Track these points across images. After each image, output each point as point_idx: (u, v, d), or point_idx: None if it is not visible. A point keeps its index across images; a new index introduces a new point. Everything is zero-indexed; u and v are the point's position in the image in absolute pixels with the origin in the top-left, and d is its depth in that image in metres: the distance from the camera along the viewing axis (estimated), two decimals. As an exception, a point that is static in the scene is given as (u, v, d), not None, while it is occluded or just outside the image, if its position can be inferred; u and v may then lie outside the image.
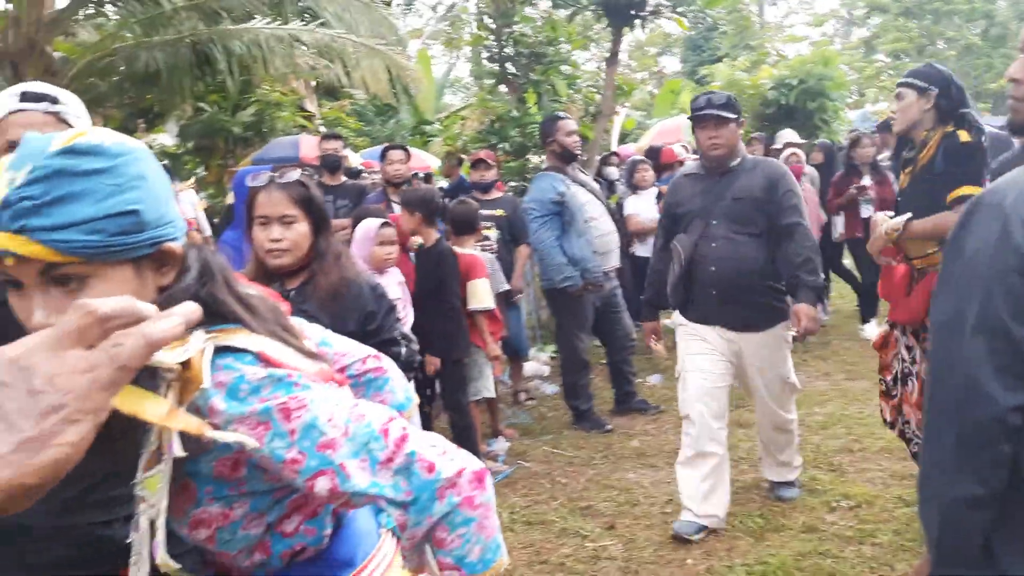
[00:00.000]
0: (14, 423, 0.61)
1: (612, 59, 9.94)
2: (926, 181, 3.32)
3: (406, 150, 6.11)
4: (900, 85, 3.50)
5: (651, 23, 11.13)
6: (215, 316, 1.02)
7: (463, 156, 8.16)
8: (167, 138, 14.74)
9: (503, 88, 7.67)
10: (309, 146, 12.09)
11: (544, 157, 5.93)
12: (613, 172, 8.07)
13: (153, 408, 0.78)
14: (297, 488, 1.07)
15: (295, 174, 2.35)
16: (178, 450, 0.94)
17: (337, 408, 1.05)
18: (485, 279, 4.82)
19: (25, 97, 1.84)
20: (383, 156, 6.11)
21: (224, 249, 3.74)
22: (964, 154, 3.27)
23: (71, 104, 1.92)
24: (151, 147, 11.78)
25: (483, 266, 4.88)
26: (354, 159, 10.69)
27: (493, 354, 4.84)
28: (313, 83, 15.66)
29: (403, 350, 2.54)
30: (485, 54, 8.95)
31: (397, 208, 5.54)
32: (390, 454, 1.06)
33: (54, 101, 1.87)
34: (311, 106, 16.17)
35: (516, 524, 3.97)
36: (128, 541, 1.77)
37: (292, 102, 13.73)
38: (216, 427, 0.98)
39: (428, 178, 7.27)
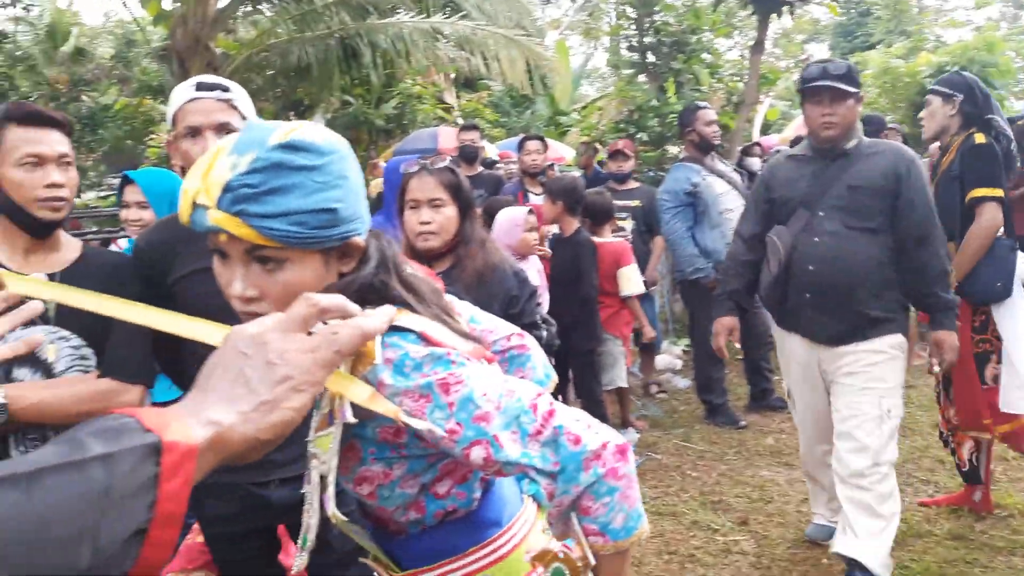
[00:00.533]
0: (254, 388, 0.72)
1: (757, 47, 9.64)
2: (947, 185, 3.57)
3: (543, 141, 6.17)
4: (927, 93, 3.85)
5: (800, 8, 10.73)
6: (384, 300, 1.11)
7: (599, 146, 8.15)
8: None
9: (642, 78, 7.59)
10: (447, 137, 12.39)
11: (682, 147, 5.85)
12: (755, 163, 7.83)
13: (357, 391, 0.89)
14: (453, 456, 1.14)
15: (445, 162, 2.45)
16: (349, 417, 1.03)
17: (490, 384, 1.12)
18: (634, 264, 4.87)
19: (200, 87, 2.04)
20: (521, 146, 6.20)
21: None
22: (977, 155, 3.48)
23: (238, 92, 2.09)
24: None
25: (630, 252, 4.92)
26: (490, 150, 10.87)
27: (649, 336, 5.32)
28: (452, 75, 16.03)
29: (543, 334, 2.60)
30: (625, 44, 8.89)
31: (533, 198, 5.61)
32: (539, 427, 1.12)
33: (225, 89, 2.05)
34: (450, 98, 16.55)
35: (645, 514, 3.96)
36: (283, 502, 1.90)
37: (432, 94, 14.11)
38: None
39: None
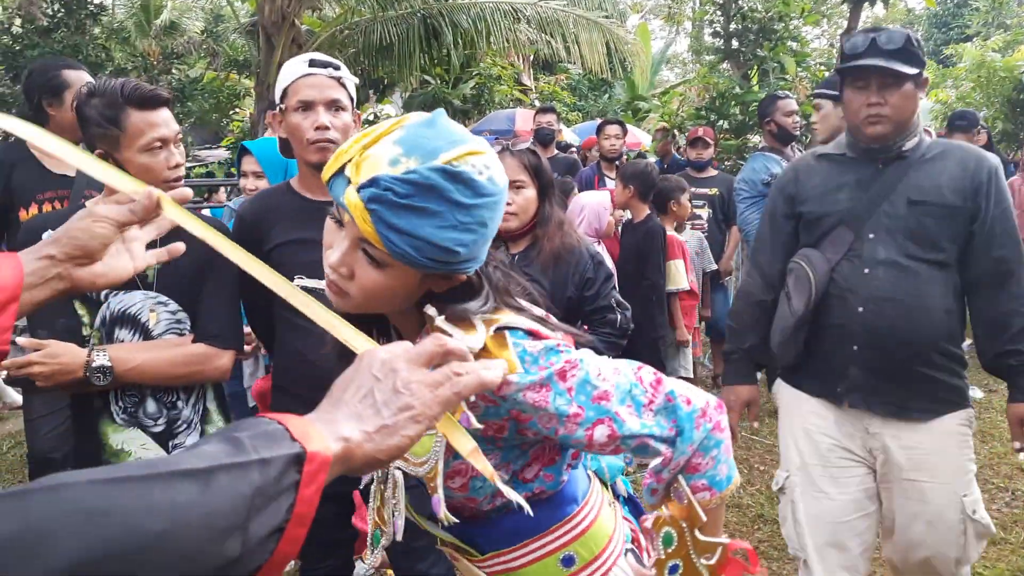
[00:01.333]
0: (379, 411, 0.79)
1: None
2: None
3: (623, 125, 6.13)
4: (814, 96, 3.82)
5: (892, -3, 10.37)
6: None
7: (676, 133, 8.06)
8: (392, 109, 15.64)
9: (725, 65, 7.45)
10: (524, 119, 12.44)
11: (762, 137, 5.74)
12: None
13: (462, 441, 0.92)
14: (574, 439, 1.15)
15: (526, 144, 2.47)
16: (475, 423, 1.02)
17: (601, 364, 1.17)
18: (680, 260, 4.79)
19: (313, 63, 2.12)
20: (599, 130, 6.17)
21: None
22: None
23: (345, 71, 2.16)
24: (377, 117, 12.49)
25: (680, 246, 4.84)
26: (567, 133, 10.84)
27: (681, 339, 4.80)
28: (531, 57, 16.02)
29: (618, 317, 2.61)
30: (709, 29, 8.75)
31: (609, 183, 5.59)
32: (651, 397, 1.17)
33: (336, 68, 2.14)
34: (528, 80, 16.57)
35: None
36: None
37: (510, 76, 14.13)
38: (504, 398, 1.12)
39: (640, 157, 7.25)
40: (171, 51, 13.60)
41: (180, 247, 1.14)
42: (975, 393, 5.07)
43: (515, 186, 2.42)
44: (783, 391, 2.44)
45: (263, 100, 11.17)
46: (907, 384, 2.19)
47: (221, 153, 14.08)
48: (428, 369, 0.83)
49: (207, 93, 13.97)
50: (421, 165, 1.02)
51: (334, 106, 2.09)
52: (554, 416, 1.13)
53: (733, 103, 6.53)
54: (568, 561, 1.28)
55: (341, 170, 1.07)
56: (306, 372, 2.08)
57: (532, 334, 1.15)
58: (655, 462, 1.21)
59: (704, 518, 1.22)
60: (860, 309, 2.18)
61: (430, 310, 1.11)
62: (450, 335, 1.08)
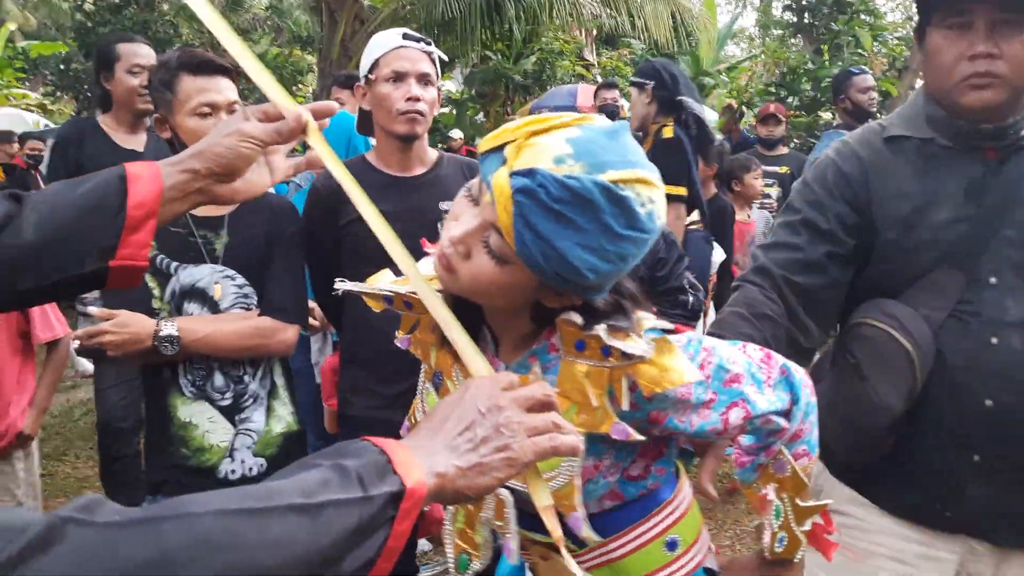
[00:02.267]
0: (477, 448, 0.79)
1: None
2: None
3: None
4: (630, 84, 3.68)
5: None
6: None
7: (745, 109, 7.84)
8: (452, 84, 15.61)
9: (796, 38, 7.21)
10: (586, 95, 12.25)
11: (836, 114, 5.55)
12: None
13: (542, 495, 0.90)
14: (708, 425, 1.11)
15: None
16: (635, 434, 1.04)
17: (726, 347, 1.15)
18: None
19: (407, 36, 2.14)
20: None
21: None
22: (664, 151, 3.34)
23: (435, 47, 2.16)
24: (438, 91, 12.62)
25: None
26: (629, 110, 10.69)
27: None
28: (594, 32, 15.80)
29: (690, 298, 2.54)
30: (780, 2, 8.47)
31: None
32: (767, 373, 1.15)
33: (428, 43, 2.15)
34: (590, 55, 16.34)
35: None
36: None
37: (572, 51, 13.95)
38: (651, 399, 1.07)
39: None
40: (236, 27, 13.79)
41: (317, 158, 1.10)
42: None
43: None
44: (846, 506, 1.60)
45: (326, 76, 11.26)
46: None
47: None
48: (528, 413, 0.84)
49: (271, 69, 14.13)
50: (585, 174, 0.94)
51: (424, 79, 2.12)
52: (692, 406, 1.10)
53: (804, 79, 6.30)
54: (672, 545, 1.23)
55: (500, 148, 0.99)
56: (375, 344, 2.08)
57: (667, 331, 1.11)
58: (746, 441, 1.21)
59: (808, 484, 1.20)
60: (988, 403, 1.42)
61: (599, 329, 1.04)
62: (619, 348, 1.03)
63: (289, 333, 2.00)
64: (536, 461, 0.82)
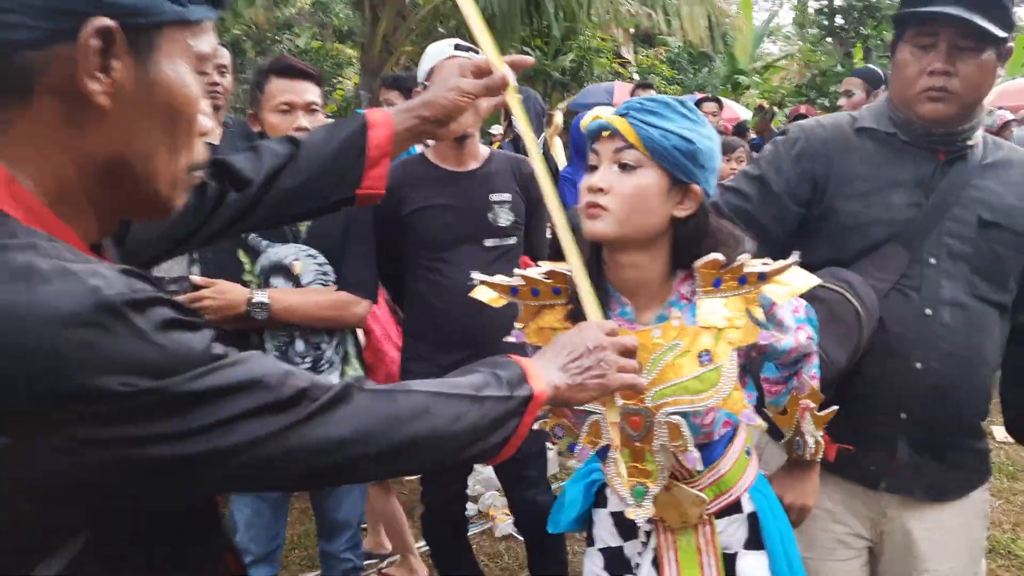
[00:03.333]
0: (582, 372, 1.11)
1: None
2: None
3: (719, 102, 6.21)
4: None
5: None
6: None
7: (776, 109, 8.00)
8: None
9: (828, 41, 7.36)
10: (622, 92, 12.45)
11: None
12: None
13: (611, 413, 1.25)
14: (784, 346, 1.45)
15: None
16: (779, 335, 1.44)
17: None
18: None
19: (458, 47, 2.42)
20: (697, 107, 6.26)
21: (566, 183, 4.17)
22: None
23: (482, 55, 2.44)
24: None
25: None
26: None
27: None
28: (631, 30, 15.96)
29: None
30: (813, 5, 8.60)
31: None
32: (795, 305, 1.49)
33: (476, 52, 2.40)
34: (627, 53, 16.50)
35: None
36: None
37: (610, 49, 14.14)
38: (771, 317, 1.42)
39: (742, 130, 7.27)
40: (282, 21, 14.13)
41: (530, 60, 1.37)
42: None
43: None
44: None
45: (367, 70, 11.55)
46: (953, 459, 1.71)
47: (322, 120, 14.55)
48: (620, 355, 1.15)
49: (311, 62, 14.46)
50: (658, 98, 1.38)
51: None
52: (787, 329, 1.44)
53: (834, 80, 6.46)
54: (748, 452, 1.55)
55: (598, 118, 1.40)
56: (437, 321, 2.38)
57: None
58: (774, 374, 1.54)
59: (823, 396, 1.52)
60: (918, 366, 1.63)
61: (744, 258, 1.37)
62: (755, 272, 1.36)
63: (362, 307, 2.29)
64: (619, 390, 1.14)
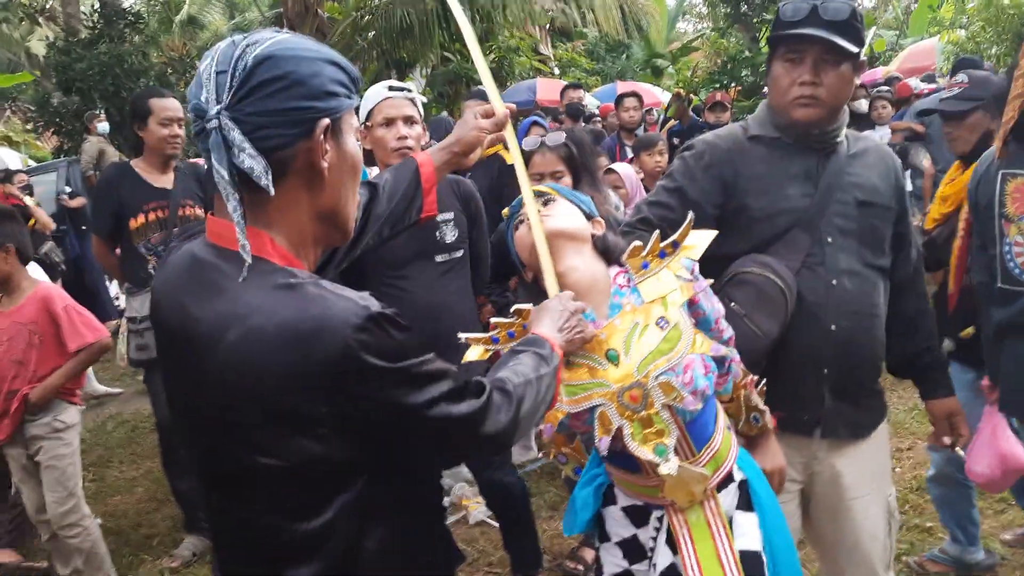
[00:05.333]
0: (572, 330, 1.53)
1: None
2: None
3: (640, 97, 6.53)
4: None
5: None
6: None
7: (692, 96, 8.31)
8: (413, 86, 15.94)
9: (736, 27, 7.72)
10: (545, 89, 12.71)
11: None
12: (862, 104, 7.38)
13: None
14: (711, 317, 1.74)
15: (561, 136, 2.87)
16: (705, 282, 1.73)
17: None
18: None
19: (391, 88, 2.68)
20: (618, 102, 6.57)
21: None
22: None
23: (416, 92, 2.70)
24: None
25: None
26: (587, 99, 11.16)
27: None
28: (547, 26, 16.23)
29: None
30: (718, -9, 8.97)
31: (629, 152, 6.01)
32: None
33: (408, 91, 2.68)
34: (546, 49, 16.76)
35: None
36: None
37: (528, 46, 14.35)
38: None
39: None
40: (197, 47, 14.07)
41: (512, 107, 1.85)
42: None
43: (555, 177, 2.76)
44: None
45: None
46: (865, 401, 2.07)
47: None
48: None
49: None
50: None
51: (409, 121, 2.63)
52: (708, 293, 1.72)
53: (744, 65, 6.83)
54: (728, 427, 1.75)
55: None
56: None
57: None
58: (719, 371, 1.74)
59: (753, 376, 1.84)
60: (832, 327, 1.94)
61: (655, 236, 1.74)
62: (669, 243, 1.72)
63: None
64: (588, 341, 1.57)
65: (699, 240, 1.72)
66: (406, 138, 2.59)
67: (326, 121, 1.09)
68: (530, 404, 1.28)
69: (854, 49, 1.89)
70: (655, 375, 1.59)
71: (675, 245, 1.69)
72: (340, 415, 1.03)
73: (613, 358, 1.62)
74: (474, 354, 1.66)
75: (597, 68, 18.01)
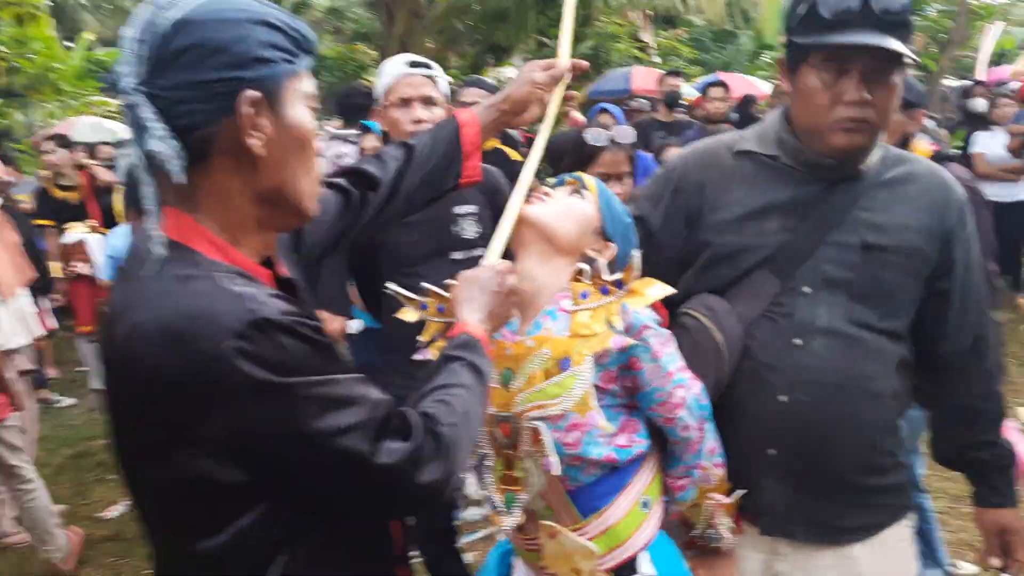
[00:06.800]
0: (497, 315, 1.30)
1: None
2: None
3: (726, 87, 6.13)
4: None
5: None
6: None
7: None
8: (513, 72, 15.80)
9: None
10: (641, 77, 12.35)
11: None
12: (979, 104, 6.89)
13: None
14: (650, 394, 1.43)
15: (631, 132, 2.56)
16: (628, 340, 1.40)
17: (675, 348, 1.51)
18: None
19: (413, 64, 2.42)
20: (704, 92, 6.20)
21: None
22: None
23: (437, 70, 2.43)
24: (499, 81, 12.80)
25: None
26: (686, 90, 10.74)
27: None
28: (650, 12, 15.79)
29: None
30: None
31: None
32: (692, 381, 1.50)
33: (428, 67, 2.43)
34: (646, 36, 16.32)
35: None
36: None
37: (628, 33, 14.00)
38: (638, 343, 1.41)
39: (749, 102, 7.13)
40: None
41: (584, 64, 1.58)
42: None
43: (619, 179, 2.43)
44: None
45: (386, 71, 11.63)
46: (843, 497, 1.55)
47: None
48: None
49: (333, 67, 14.58)
50: None
51: (428, 102, 2.38)
52: (659, 370, 1.41)
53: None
54: (646, 505, 1.47)
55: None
56: (412, 334, 2.39)
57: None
58: (678, 469, 1.47)
59: (730, 484, 1.50)
60: (783, 398, 1.50)
61: (601, 265, 1.49)
62: (612, 281, 1.46)
63: (336, 324, 2.33)
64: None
65: (650, 290, 1.45)
66: (423, 121, 2.33)
67: (252, 93, 0.96)
68: (466, 440, 1.09)
69: (913, 56, 1.43)
70: (531, 416, 1.37)
71: (619, 285, 1.43)
72: (224, 431, 0.92)
73: (506, 379, 1.43)
74: (410, 316, 1.53)
75: (701, 58, 17.41)
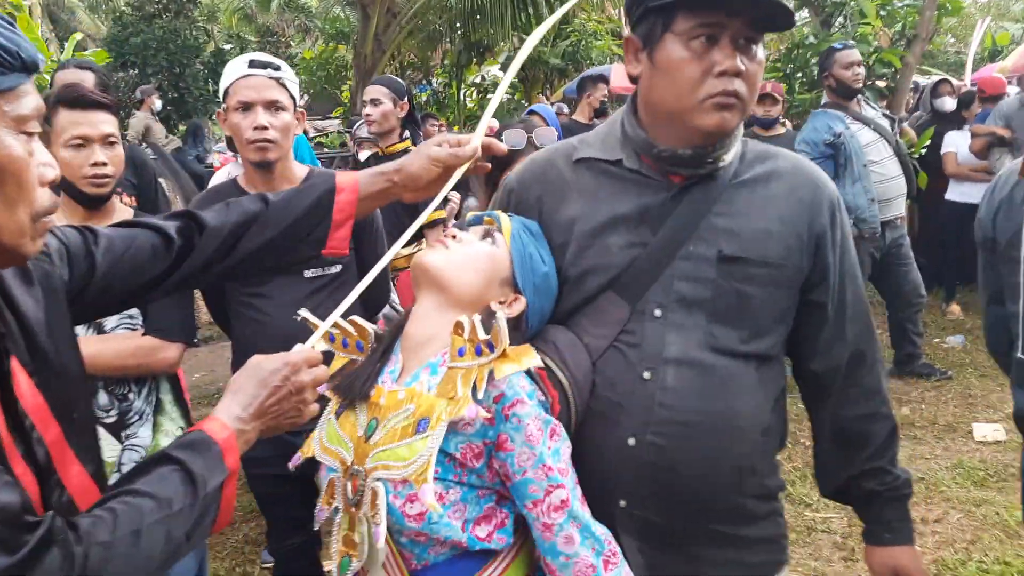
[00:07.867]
0: (277, 416, 1.16)
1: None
2: None
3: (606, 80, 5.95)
4: None
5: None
6: None
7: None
8: (498, 71, 15.62)
9: (805, 12, 6.98)
10: (620, 76, 12.16)
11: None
12: (947, 103, 6.68)
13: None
14: (519, 486, 1.25)
15: (552, 137, 2.36)
16: (482, 412, 1.23)
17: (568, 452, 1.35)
18: None
19: (252, 64, 2.17)
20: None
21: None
22: None
23: (287, 71, 2.21)
24: (485, 79, 12.52)
25: None
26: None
27: None
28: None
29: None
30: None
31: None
32: (582, 499, 1.32)
33: (276, 68, 2.19)
34: (628, 33, 16.09)
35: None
36: None
37: (608, 30, 13.81)
38: (508, 417, 1.24)
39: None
40: (263, 26, 14.09)
41: (503, 147, 1.44)
42: None
43: None
44: None
45: (360, 70, 11.43)
46: (708, 553, 1.36)
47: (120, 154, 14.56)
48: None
49: (313, 70, 14.39)
50: None
51: (273, 106, 2.15)
52: (533, 458, 1.22)
53: (809, 53, 6.10)
54: None
55: None
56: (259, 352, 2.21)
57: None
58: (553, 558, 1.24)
59: None
60: (631, 441, 1.31)
61: (475, 322, 1.32)
62: (487, 340, 1.30)
63: (171, 351, 2.14)
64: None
65: (526, 358, 1.28)
66: (266, 128, 2.12)
67: None
68: (124, 566, 0.94)
69: (792, 18, 1.25)
70: (375, 477, 1.23)
71: (489, 345, 1.25)
72: None
73: (370, 429, 1.29)
74: (318, 343, 1.31)
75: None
